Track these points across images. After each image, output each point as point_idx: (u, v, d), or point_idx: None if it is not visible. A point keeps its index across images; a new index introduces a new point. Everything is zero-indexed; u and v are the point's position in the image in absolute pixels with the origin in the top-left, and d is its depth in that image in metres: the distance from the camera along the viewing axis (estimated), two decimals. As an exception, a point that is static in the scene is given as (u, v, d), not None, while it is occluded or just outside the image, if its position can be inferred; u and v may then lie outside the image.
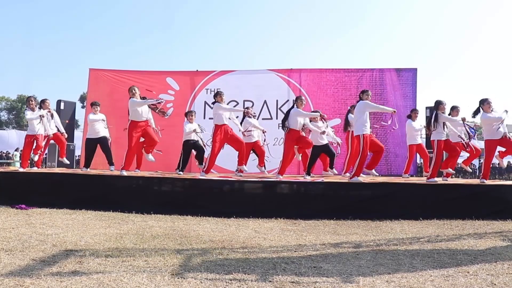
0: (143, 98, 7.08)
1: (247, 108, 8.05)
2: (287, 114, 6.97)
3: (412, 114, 8.20)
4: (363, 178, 6.69)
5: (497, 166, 17.56)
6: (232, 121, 7.37)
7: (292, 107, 7.09)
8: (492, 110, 6.48)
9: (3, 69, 74.96)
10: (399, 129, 10.10)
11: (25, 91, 56.03)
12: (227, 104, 7.67)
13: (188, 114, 8.08)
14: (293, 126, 6.89)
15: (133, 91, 6.95)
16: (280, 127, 10.20)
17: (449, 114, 7.17)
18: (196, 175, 7.26)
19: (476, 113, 6.66)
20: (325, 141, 7.54)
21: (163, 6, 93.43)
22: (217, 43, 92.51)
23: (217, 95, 7.06)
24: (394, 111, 6.67)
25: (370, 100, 6.67)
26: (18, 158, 7.72)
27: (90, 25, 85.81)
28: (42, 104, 7.73)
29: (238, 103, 10.33)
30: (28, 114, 7.32)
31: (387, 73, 10.33)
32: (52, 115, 7.85)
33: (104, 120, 8.03)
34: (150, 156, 7.08)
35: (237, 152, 7.22)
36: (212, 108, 7.32)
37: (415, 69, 10.40)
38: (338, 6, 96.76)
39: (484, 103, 6.56)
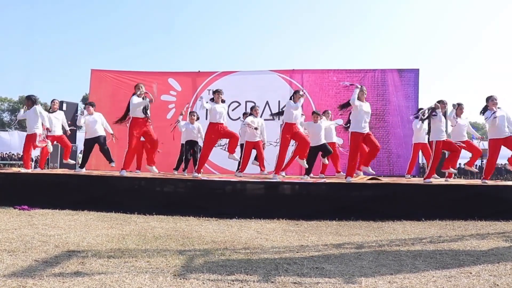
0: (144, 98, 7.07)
1: (253, 108, 8.03)
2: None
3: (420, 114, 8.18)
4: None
5: (499, 166, 17.51)
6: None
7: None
8: (498, 108, 6.49)
9: (4, 70, 75.19)
10: (401, 130, 10.14)
11: (27, 92, 56.12)
12: (229, 105, 7.63)
13: (190, 114, 8.14)
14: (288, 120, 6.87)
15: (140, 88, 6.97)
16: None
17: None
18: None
19: (484, 111, 6.66)
20: (322, 141, 7.54)
21: (165, 8, 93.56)
22: (219, 44, 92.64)
23: (215, 93, 7.04)
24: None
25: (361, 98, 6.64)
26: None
27: (93, 26, 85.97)
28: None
29: (240, 104, 10.34)
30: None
31: (389, 74, 10.33)
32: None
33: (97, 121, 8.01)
34: (154, 168, 6.99)
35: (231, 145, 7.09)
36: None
37: (417, 70, 10.41)
38: (340, 6, 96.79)
39: (488, 101, 6.56)
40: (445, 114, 7.02)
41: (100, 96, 10.62)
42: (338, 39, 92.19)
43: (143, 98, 6.99)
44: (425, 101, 34.68)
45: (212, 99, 7.01)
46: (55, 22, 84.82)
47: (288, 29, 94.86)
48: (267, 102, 10.46)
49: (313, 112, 7.82)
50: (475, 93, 73.91)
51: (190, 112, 8.36)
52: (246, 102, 10.40)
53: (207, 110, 7.17)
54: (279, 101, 10.46)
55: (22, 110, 7.44)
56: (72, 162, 8.15)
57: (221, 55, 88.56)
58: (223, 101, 7.06)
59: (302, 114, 7.50)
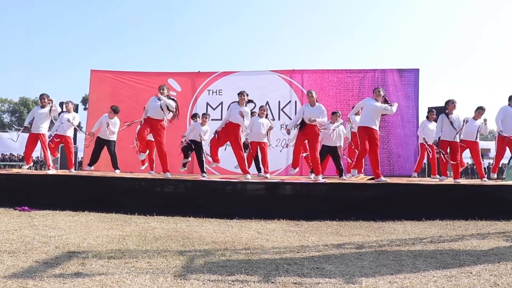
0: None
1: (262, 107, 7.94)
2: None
3: (429, 115, 8.26)
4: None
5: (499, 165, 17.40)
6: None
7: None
8: None
9: (5, 70, 75.20)
10: (401, 130, 10.14)
11: (27, 93, 56.18)
12: (228, 106, 7.43)
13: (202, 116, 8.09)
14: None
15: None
16: (283, 128, 10.27)
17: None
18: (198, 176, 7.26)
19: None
20: (335, 143, 7.53)
21: (165, 8, 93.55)
22: (219, 44, 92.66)
23: (239, 94, 6.86)
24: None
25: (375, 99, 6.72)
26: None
27: (92, 26, 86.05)
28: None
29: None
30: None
31: (389, 74, 10.33)
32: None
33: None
34: (168, 174, 6.91)
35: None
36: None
37: (417, 70, 10.41)
38: (340, 7, 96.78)
39: None
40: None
41: (99, 96, 10.63)
42: (338, 39, 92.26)
43: (168, 97, 6.82)
44: (425, 101, 34.69)
45: (237, 102, 6.84)
46: (55, 22, 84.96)
47: (288, 29, 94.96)
48: (267, 103, 10.44)
49: (333, 113, 7.80)
50: (476, 93, 73.87)
51: (203, 114, 8.17)
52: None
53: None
54: (279, 101, 10.46)
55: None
56: (75, 172, 7.96)
57: (221, 55, 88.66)
58: (249, 102, 6.95)
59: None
